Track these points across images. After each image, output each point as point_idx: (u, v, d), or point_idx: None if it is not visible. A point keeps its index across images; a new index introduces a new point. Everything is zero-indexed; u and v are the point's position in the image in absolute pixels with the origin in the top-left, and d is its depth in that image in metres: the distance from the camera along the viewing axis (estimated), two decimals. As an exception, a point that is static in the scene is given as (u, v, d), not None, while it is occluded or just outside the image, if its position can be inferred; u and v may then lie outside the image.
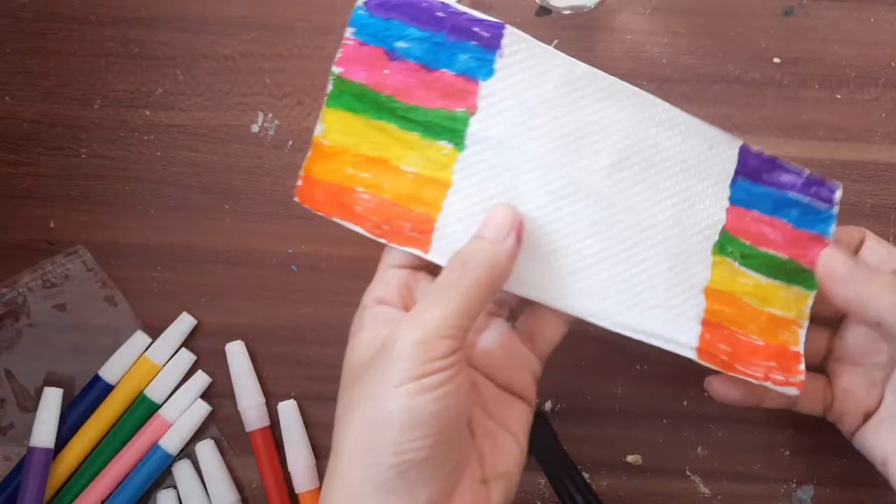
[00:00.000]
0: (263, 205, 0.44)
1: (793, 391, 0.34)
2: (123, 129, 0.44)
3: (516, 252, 0.32)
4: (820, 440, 0.43)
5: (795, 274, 0.36)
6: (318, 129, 0.33)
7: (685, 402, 0.43)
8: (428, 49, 0.33)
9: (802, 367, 0.35)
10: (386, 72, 0.33)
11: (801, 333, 0.35)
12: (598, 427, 0.43)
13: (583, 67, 0.34)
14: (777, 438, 0.43)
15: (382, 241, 0.33)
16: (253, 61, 0.44)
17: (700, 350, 0.34)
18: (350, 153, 0.33)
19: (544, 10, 0.44)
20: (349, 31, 0.33)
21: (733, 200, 0.35)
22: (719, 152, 0.35)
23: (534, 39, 0.34)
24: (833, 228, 0.36)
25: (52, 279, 0.43)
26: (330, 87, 0.33)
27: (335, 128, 0.33)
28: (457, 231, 0.33)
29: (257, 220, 0.44)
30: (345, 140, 0.33)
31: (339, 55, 0.33)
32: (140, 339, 0.43)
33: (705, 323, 0.34)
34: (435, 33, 0.33)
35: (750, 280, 0.35)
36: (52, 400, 0.41)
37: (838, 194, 0.36)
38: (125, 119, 0.44)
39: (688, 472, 0.44)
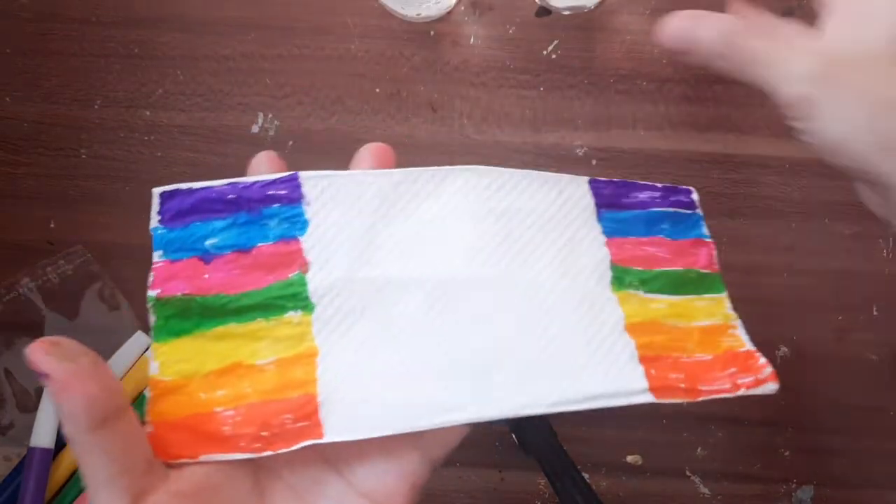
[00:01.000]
0: (263, 205, 0.44)
1: (771, 387, 0.32)
2: (124, 129, 0.44)
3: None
4: (820, 440, 0.43)
5: (699, 282, 0.34)
6: (153, 368, 0.29)
7: (685, 403, 0.43)
8: (237, 233, 0.31)
9: (763, 360, 0.33)
10: (206, 276, 0.30)
11: (740, 332, 0.33)
12: (598, 427, 0.43)
13: (396, 174, 0.32)
14: (777, 439, 0.43)
15: (267, 453, 0.28)
16: (253, 62, 0.44)
17: (654, 388, 0.31)
18: (197, 377, 0.29)
19: (544, 11, 0.44)
20: (156, 255, 0.30)
21: (607, 233, 0.34)
22: (571, 194, 0.34)
23: (333, 172, 0.32)
24: (705, 230, 0.35)
25: (51, 279, 0.43)
26: (153, 319, 0.30)
27: (171, 360, 0.29)
28: (345, 395, 0.29)
29: (257, 221, 0.44)
30: (186, 367, 0.30)
31: (151, 279, 0.30)
32: (140, 339, 0.43)
33: (644, 360, 0.31)
34: (236, 215, 0.31)
35: (661, 303, 0.33)
36: (52, 400, 0.41)
37: (695, 196, 0.35)
38: (125, 119, 0.44)
39: (687, 473, 0.44)
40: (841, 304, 0.43)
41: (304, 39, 0.44)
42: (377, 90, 0.44)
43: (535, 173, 0.33)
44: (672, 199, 0.35)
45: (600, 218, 0.34)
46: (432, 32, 0.44)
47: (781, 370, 0.43)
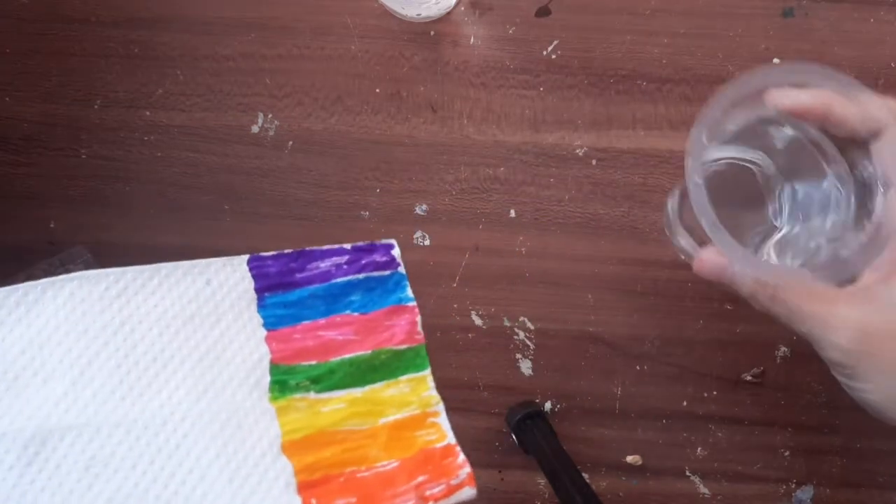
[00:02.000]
0: (263, 205, 0.44)
1: (467, 494, 0.27)
2: (124, 129, 0.44)
3: None
4: (820, 440, 0.43)
5: (394, 363, 0.29)
6: None
7: (685, 403, 0.43)
8: None
9: (461, 458, 0.28)
10: None
11: (441, 421, 0.29)
12: (598, 427, 0.43)
13: None
14: (777, 439, 0.43)
15: None
16: (253, 62, 0.44)
17: None
18: None
19: (544, 11, 0.44)
20: None
21: (269, 325, 0.28)
22: (222, 283, 0.28)
23: None
24: (409, 291, 0.30)
25: (52, 279, 0.43)
26: None
27: None
28: None
29: (257, 221, 0.44)
30: None
31: None
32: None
33: (304, 487, 0.26)
34: None
35: (339, 403, 0.28)
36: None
37: (396, 251, 0.30)
38: (125, 119, 0.44)
39: (687, 473, 0.44)
40: (841, 304, 0.43)
41: (304, 40, 0.44)
42: (377, 90, 0.44)
43: (170, 265, 0.28)
44: (365, 261, 0.30)
45: (262, 305, 0.28)
46: (432, 32, 0.44)
47: (781, 370, 0.44)
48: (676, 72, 0.44)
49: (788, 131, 0.32)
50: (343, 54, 0.44)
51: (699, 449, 0.43)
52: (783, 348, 0.44)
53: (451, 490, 0.27)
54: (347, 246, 0.29)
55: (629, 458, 0.43)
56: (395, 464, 0.27)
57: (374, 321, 0.29)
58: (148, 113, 0.44)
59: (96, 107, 0.44)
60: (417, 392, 0.29)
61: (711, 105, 0.29)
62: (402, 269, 0.30)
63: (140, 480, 0.24)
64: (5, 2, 0.44)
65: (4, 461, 0.24)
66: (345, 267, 0.30)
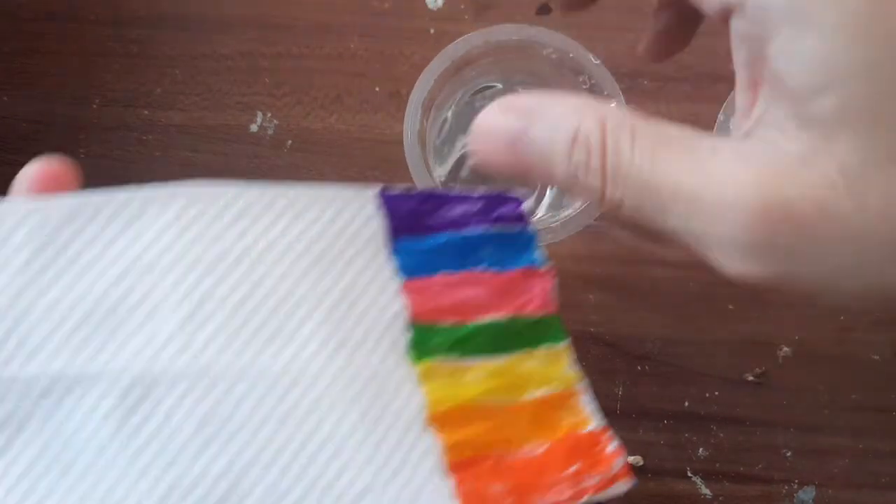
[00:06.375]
0: (263, 205, 0.44)
1: (622, 487, 0.23)
2: (122, 128, 0.44)
3: None
4: (822, 441, 0.43)
5: (531, 333, 0.25)
6: None
7: (686, 403, 0.43)
8: None
9: (613, 446, 0.23)
10: None
11: (584, 401, 0.24)
12: (599, 428, 0.43)
13: (64, 205, 0.22)
14: (779, 439, 0.43)
15: None
16: (252, 61, 0.44)
17: None
18: None
19: (545, 9, 0.43)
20: None
21: (405, 273, 0.23)
22: (351, 218, 0.23)
23: None
24: (539, 252, 0.26)
25: (50, 279, 0.43)
26: None
27: None
28: None
29: (256, 220, 0.43)
30: None
31: None
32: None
33: (454, 467, 0.22)
34: None
35: (481, 372, 0.23)
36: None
37: (526, 204, 0.25)
38: (124, 119, 0.44)
39: (689, 474, 0.43)
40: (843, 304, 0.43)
41: (304, 39, 0.44)
42: (377, 89, 0.44)
43: (292, 190, 0.23)
44: (495, 213, 0.25)
45: (396, 249, 0.24)
46: (432, 31, 0.44)
47: (783, 370, 0.43)
48: (678, 70, 0.43)
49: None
50: (342, 53, 0.44)
51: (701, 449, 0.43)
52: (785, 348, 0.43)
53: (607, 483, 0.23)
54: (476, 192, 0.25)
55: (630, 459, 0.43)
56: (545, 447, 0.23)
57: (511, 283, 0.25)
58: (146, 112, 0.44)
59: (95, 106, 0.44)
60: (557, 369, 0.25)
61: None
62: (532, 229, 0.25)
63: (264, 448, 0.20)
64: (4, 1, 0.44)
65: (99, 408, 0.20)
66: (476, 216, 0.25)
